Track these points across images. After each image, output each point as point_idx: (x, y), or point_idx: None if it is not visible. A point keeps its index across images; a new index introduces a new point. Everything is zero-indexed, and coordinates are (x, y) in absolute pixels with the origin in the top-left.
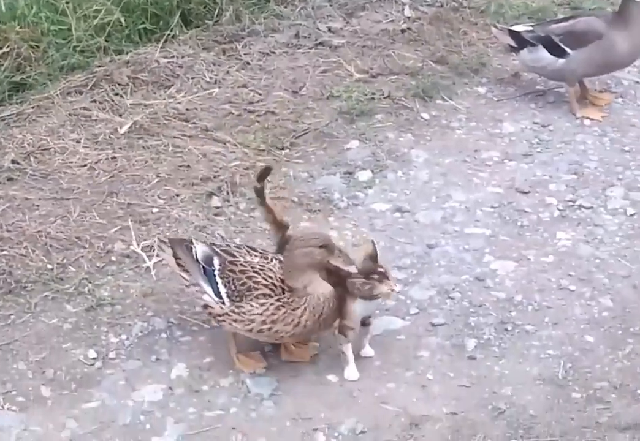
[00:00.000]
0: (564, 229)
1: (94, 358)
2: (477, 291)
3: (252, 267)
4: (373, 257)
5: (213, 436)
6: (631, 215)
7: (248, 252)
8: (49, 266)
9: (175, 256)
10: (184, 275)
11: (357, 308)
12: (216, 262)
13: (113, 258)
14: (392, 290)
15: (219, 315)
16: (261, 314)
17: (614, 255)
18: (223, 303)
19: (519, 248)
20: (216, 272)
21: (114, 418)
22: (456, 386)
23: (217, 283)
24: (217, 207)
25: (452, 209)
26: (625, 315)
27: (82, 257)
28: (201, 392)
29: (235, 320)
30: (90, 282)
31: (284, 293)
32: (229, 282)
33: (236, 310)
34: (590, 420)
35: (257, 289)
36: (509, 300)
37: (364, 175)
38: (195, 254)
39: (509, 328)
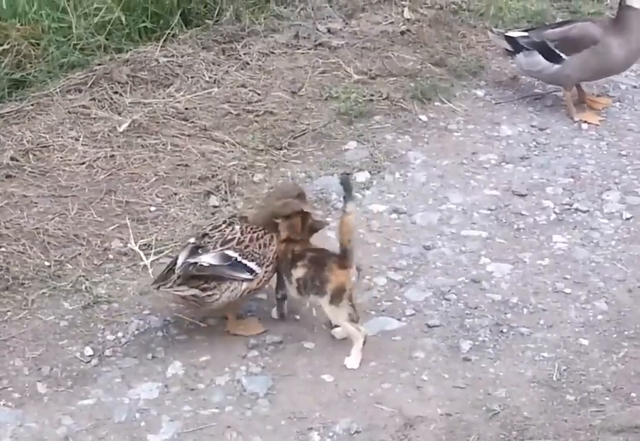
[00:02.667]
0: (560, 232)
1: (90, 356)
2: (472, 293)
3: (242, 234)
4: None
5: (208, 435)
6: (627, 219)
7: (221, 228)
8: (47, 263)
9: (194, 286)
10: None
11: None
12: (229, 253)
13: (110, 256)
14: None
15: (257, 287)
16: (273, 251)
17: (609, 259)
18: (257, 273)
19: (515, 250)
20: (238, 258)
21: (109, 416)
22: (451, 388)
23: (245, 265)
24: (215, 206)
25: (449, 211)
26: (620, 319)
27: (79, 254)
28: (197, 390)
29: (267, 278)
30: (87, 280)
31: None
32: (249, 256)
33: (265, 269)
34: (583, 422)
35: (263, 240)
36: (505, 302)
37: (361, 176)
38: (209, 264)
39: (504, 330)
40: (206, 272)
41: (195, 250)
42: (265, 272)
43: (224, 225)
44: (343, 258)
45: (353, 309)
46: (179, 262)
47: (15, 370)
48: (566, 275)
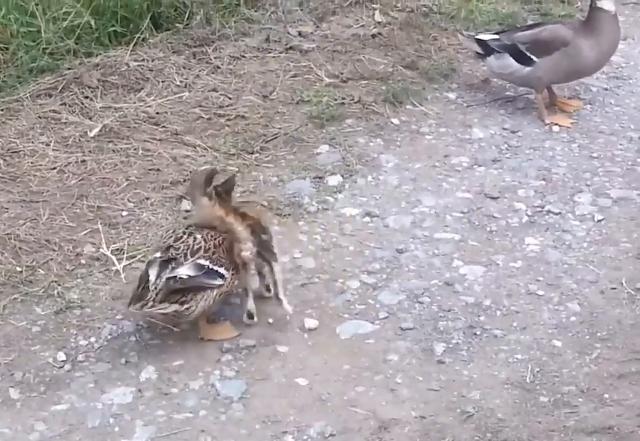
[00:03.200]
0: (533, 234)
1: (63, 361)
2: (446, 296)
3: (205, 241)
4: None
5: (182, 439)
6: (599, 220)
7: (184, 238)
8: (18, 268)
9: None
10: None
11: None
12: (201, 261)
13: (83, 261)
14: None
15: (226, 290)
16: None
17: (581, 261)
18: (226, 277)
19: (487, 253)
20: (210, 265)
21: (83, 421)
22: (425, 390)
23: (216, 271)
24: (187, 211)
25: (422, 214)
26: (592, 320)
27: (51, 259)
28: (170, 395)
29: (234, 280)
30: (59, 285)
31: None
32: (218, 262)
33: (231, 272)
34: (557, 423)
35: (224, 245)
36: (478, 305)
37: (333, 180)
38: (187, 275)
39: (478, 332)
40: (186, 284)
41: (165, 264)
42: (232, 274)
43: (185, 236)
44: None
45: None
46: (152, 278)
47: None
48: (539, 277)
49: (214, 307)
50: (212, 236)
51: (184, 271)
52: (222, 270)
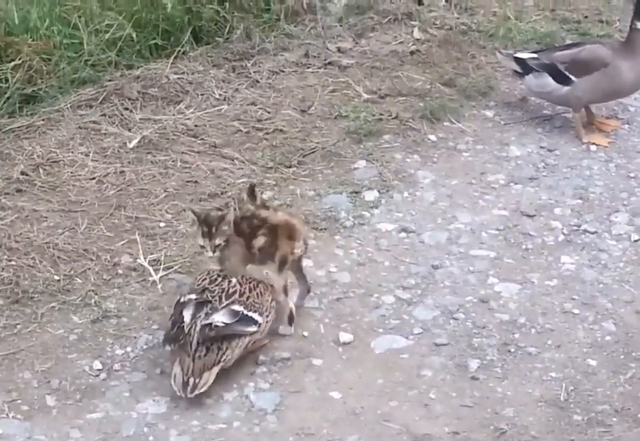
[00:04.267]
0: (569, 253)
1: (99, 370)
2: (480, 312)
3: (241, 285)
4: (221, 217)
5: None
6: (635, 240)
7: (219, 281)
8: (56, 277)
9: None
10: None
11: None
12: (235, 307)
13: (120, 271)
14: (203, 248)
15: (259, 338)
16: (269, 300)
17: (617, 280)
18: (260, 324)
19: (523, 271)
20: (244, 311)
21: (117, 429)
22: (458, 406)
23: (251, 317)
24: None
25: (458, 231)
26: (627, 340)
27: (89, 269)
28: (205, 405)
29: (267, 327)
30: (96, 294)
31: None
32: (252, 307)
33: (265, 319)
34: None
35: (259, 289)
36: (513, 322)
37: (370, 195)
38: (223, 323)
39: (512, 349)
40: (220, 333)
41: (200, 306)
42: (267, 321)
43: (220, 279)
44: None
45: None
46: (187, 319)
47: (24, 383)
48: (574, 295)
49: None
50: (246, 280)
51: (219, 318)
52: (255, 316)
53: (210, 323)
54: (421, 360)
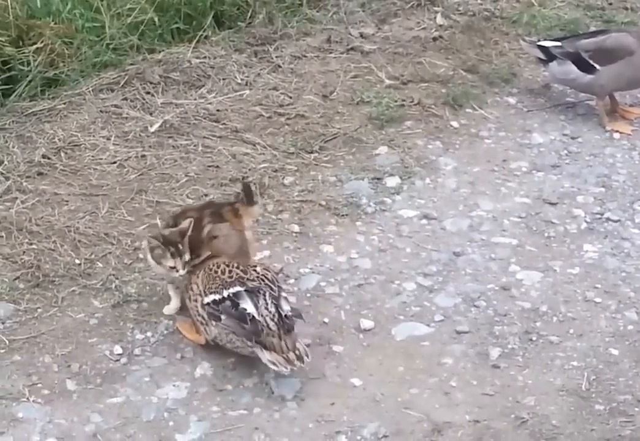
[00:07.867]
0: (591, 241)
1: (119, 354)
2: (502, 300)
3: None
4: (182, 232)
5: (236, 436)
6: None
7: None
8: (77, 261)
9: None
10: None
11: None
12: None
13: (141, 256)
14: (174, 268)
15: None
16: None
17: None
18: None
19: (545, 259)
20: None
21: (138, 414)
22: (479, 394)
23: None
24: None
25: (479, 218)
26: None
27: (109, 253)
28: (225, 391)
29: None
30: (117, 278)
31: None
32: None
33: None
34: (612, 432)
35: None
36: (534, 310)
37: (392, 181)
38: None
39: (534, 338)
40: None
41: (256, 296)
42: None
43: (249, 268)
44: None
45: None
46: (252, 310)
47: (44, 367)
48: (596, 284)
49: None
50: (263, 267)
51: (285, 307)
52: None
53: (286, 314)
54: (442, 348)
